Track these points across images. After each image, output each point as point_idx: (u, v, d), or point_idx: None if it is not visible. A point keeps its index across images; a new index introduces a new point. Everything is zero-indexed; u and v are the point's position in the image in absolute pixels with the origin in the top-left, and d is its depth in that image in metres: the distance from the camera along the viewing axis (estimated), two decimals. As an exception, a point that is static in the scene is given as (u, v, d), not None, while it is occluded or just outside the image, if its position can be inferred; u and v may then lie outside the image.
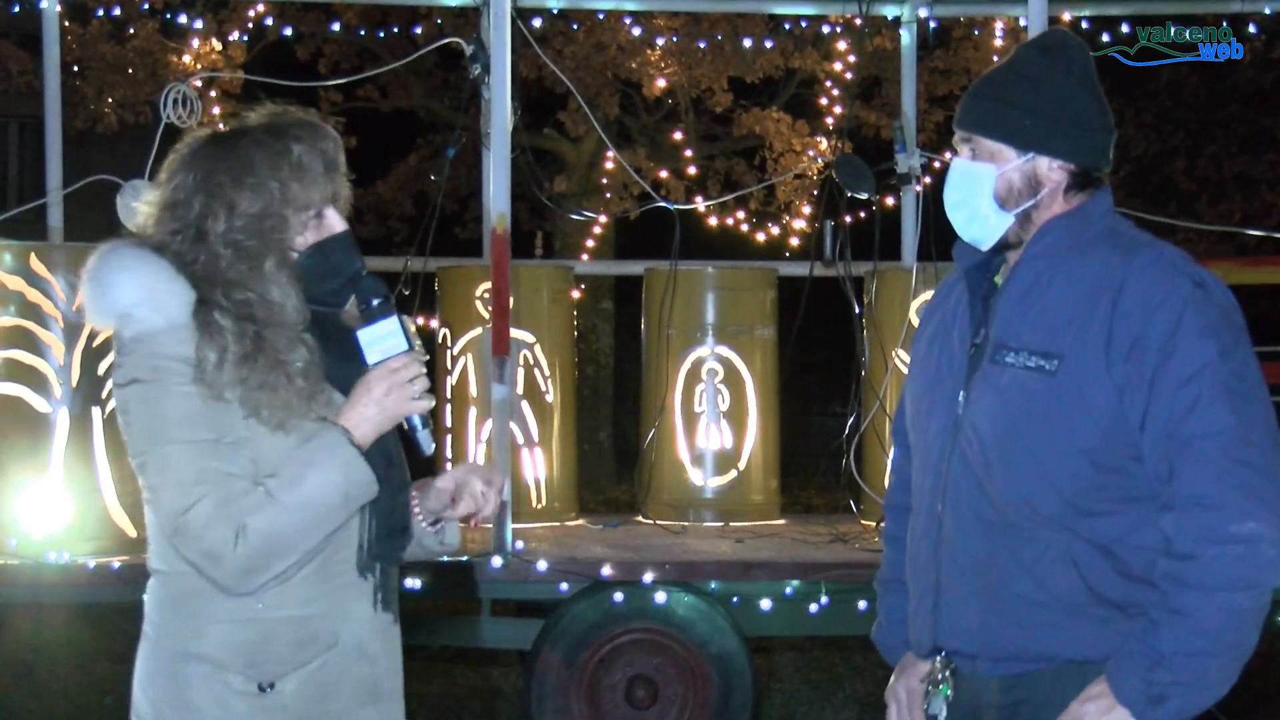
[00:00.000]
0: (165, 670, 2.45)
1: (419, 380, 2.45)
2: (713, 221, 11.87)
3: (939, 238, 6.30)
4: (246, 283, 2.42)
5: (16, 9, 8.45)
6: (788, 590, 5.78)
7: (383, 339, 2.44)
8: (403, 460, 2.59)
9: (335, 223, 2.53)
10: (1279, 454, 2.35)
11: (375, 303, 2.46)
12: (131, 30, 12.25)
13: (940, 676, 2.57)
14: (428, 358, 2.52)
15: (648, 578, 5.69)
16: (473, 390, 6.63)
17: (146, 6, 11.99)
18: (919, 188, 6.81)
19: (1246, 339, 2.41)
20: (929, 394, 2.63)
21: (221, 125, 2.60)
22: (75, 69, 12.13)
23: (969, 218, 2.58)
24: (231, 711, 2.41)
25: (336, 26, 12.62)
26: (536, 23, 9.40)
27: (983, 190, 2.55)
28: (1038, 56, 2.58)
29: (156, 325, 2.37)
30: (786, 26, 12.21)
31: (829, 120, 12.12)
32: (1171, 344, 2.34)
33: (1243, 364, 2.37)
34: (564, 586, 5.70)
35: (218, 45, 12.04)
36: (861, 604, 5.68)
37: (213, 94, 11.68)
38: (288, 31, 12.21)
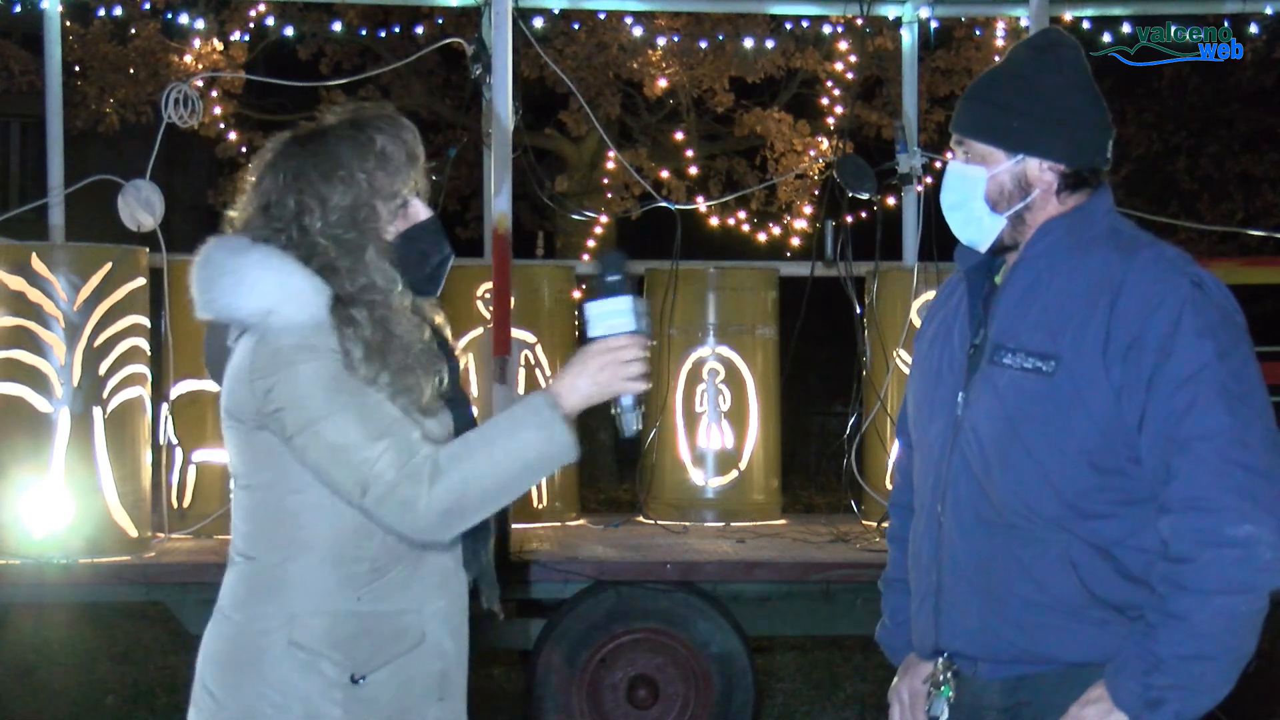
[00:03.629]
0: (253, 655, 2.46)
1: (637, 363, 2.45)
2: (714, 221, 11.88)
3: (940, 238, 6.29)
4: (357, 273, 2.47)
5: (18, 9, 8.45)
6: (789, 590, 5.78)
7: (610, 315, 2.44)
8: None
9: (420, 211, 2.59)
10: (1277, 456, 2.32)
11: (611, 279, 2.46)
12: (133, 30, 12.26)
13: (942, 678, 2.56)
14: (654, 343, 2.50)
15: (649, 577, 5.69)
16: (474, 390, 6.63)
17: (148, 6, 11.99)
18: (920, 188, 6.81)
19: (1246, 340, 2.39)
20: (930, 394, 2.62)
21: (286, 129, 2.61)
22: (77, 69, 12.15)
23: (964, 220, 2.58)
24: (324, 700, 2.44)
25: (338, 26, 12.61)
26: (538, 23, 9.40)
27: (975, 193, 2.55)
28: (1030, 56, 2.58)
29: (301, 321, 2.41)
30: (788, 27, 12.21)
31: (830, 120, 12.12)
32: (1169, 345, 2.32)
33: (1241, 365, 2.35)
34: (565, 586, 5.70)
35: (219, 45, 12.03)
36: (862, 604, 5.68)
37: (214, 94, 11.69)
38: (289, 31, 12.21)
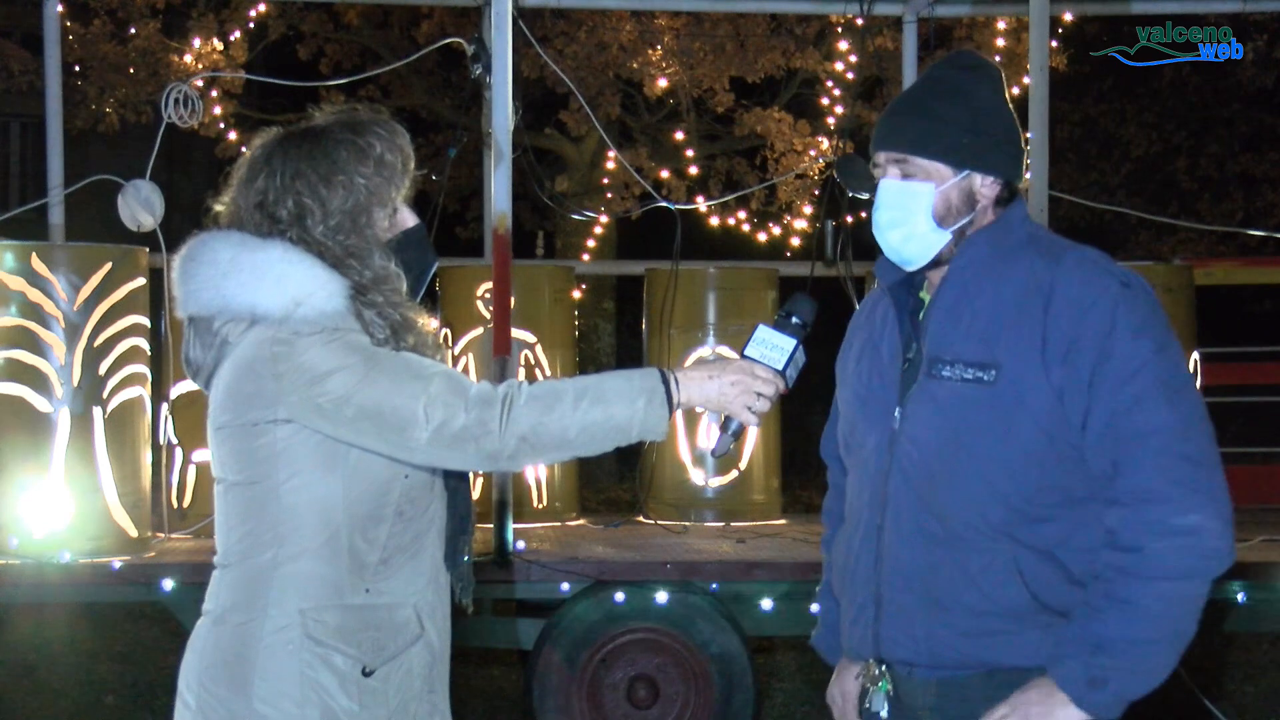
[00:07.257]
0: (263, 655, 2.44)
1: (764, 400, 2.49)
2: (714, 221, 11.88)
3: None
4: (366, 269, 2.49)
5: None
6: (789, 590, 5.79)
7: (771, 347, 2.52)
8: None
9: (408, 218, 2.61)
10: (1214, 447, 2.43)
11: (794, 319, 2.55)
12: (133, 30, 12.25)
13: (877, 672, 2.58)
14: (785, 393, 2.56)
15: (649, 577, 5.69)
16: (474, 390, 6.63)
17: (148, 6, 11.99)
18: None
19: (1173, 334, 2.48)
20: (862, 410, 2.65)
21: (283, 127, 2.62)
22: (77, 68, 12.14)
23: (905, 237, 2.59)
24: (340, 693, 2.44)
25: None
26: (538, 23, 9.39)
27: (920, 209, 2.56)
28: (962, 75, 2.61)
29: (331, 309, 2.43)
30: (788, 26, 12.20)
31: (830, 120, 12.12)
32: (1108, 345, 2.39)
33: (1175, 360, 2.44)
34: (565, 586, 5.70)
35: (219, 45, 12.03)
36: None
37: (214, 94, 11.69)
38: (289, 31, 12.20)
